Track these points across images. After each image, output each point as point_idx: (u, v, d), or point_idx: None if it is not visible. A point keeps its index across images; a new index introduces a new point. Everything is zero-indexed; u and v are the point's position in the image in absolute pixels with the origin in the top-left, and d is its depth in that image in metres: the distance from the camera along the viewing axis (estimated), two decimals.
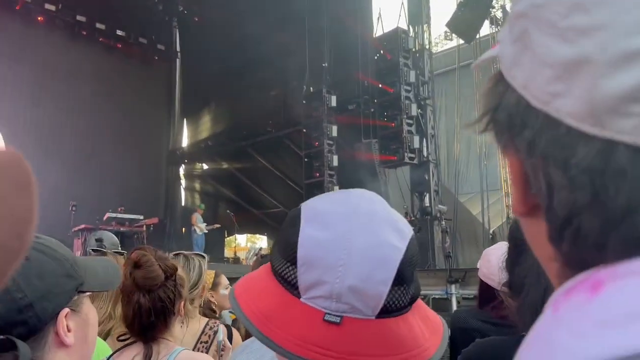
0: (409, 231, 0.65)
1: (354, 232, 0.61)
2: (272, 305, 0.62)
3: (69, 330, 0.89)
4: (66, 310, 0.88)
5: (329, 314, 0.59)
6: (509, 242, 1.34)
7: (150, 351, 1.54)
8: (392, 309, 0.60)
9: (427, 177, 13.56)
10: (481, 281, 1.91)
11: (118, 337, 1.63)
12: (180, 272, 1.65)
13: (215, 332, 2.00)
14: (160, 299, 1.56)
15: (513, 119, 0.37)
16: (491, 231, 16.42)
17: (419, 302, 0.67)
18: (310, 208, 0.66)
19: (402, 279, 0.60)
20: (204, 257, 2.41)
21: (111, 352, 1.61)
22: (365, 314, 0.59)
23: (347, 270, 0.59)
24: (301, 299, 0.61)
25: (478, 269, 1.97)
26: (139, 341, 1.58)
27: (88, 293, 0.96)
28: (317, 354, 0.58)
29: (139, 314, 1.53)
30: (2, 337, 0.77)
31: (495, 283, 1.78)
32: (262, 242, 22.37)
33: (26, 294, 0.82)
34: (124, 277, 1.55)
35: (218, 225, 13.60)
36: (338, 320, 0.59)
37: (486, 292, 1.86)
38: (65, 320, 0.88)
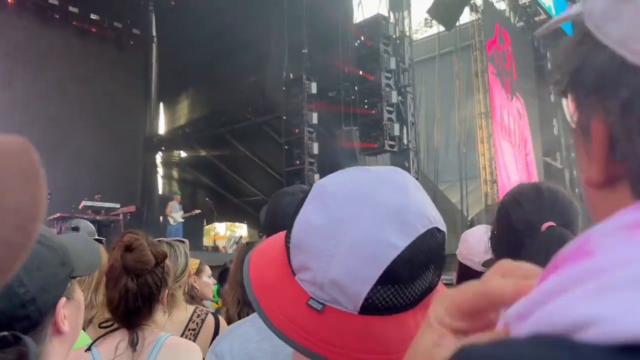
0: (422, 227, 0.59)
1: (350, 221, 0.58)
2: (273, 276, 0.63)
3: (64, 318, 0.89)
4: (63, 299, 0.88)
5: (313, 299, 0.59)
6: (498, 223, 1.28)
7: (137, 337, 1.53)
8: (379, 307, 0.57)
9: (407, 165, 13.65)
10: (460, 264, 1.91)
11: (100, 324, 1.62)
12: (167, 261, 1.65)
13: (203, 320, 2.00)
14: (148, 284, 1.55)
15: (603, 79, 0.34)
16: (469, 218, 16.67)
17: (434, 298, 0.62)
18: (320, 185, 0.64)
19: (393, 278, 0.57)
20: (184, 242, 2.41)
21: (92, 340, 1.58)
22: (347, 308, 0.58)
23: (332, 262, 0.57)
24: (295, 277, 0.61)
25: (456, 254, 1.97)
26: (122, 328, 1.57)
27: (78, 277, 0.96)
28: (298, 336, 0.58)
29: (125, 297, 1.52)
30: (6, 333, 0.75)
31: (475, 263, 1.79)
32: (241, 230, 22.30)
33: (29, 289, 0.80)
34: (114, 260, 1.54)
35: (198, 211, 13.35)
36: (319, 308, 0.58)
37: (466, 275, 1.86)
38: (62, 309, 0.88)
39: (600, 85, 0.34)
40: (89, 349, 1.53)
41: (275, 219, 1.14)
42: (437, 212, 0.63)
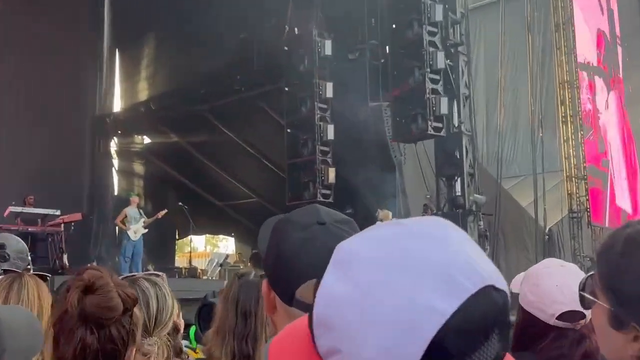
0: (473, 285, 0.63)
1: (379, 287, 0.63)
2: None
3: None
4: None
5: None
6: (625, 246, 1.13)
7: None
8: None
9: (458, 155, 13.61)
10: (523, 310, 1.90)
11: None
12: (136, 309, 1.64)
13: None
14: (112, 338, 1.54)
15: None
16: (547, 230, 16.57)
17: None
18: (340, 249, 0.70)
19: (443, 353, 0.61)
20: (160, 275, 2.47)
21: None
22: None
23: (364, 338, 0.62)
24: None
25: (516, 293, 1.94)
26: None
27: None
28: None
29: (81, 356, 1.51)
30: None
31: (547, 315, 1.80)
32: (227, 245, 22.40)
33: None
34: (69, 305, 1.51)
35: (164, 211, 12.94)
36: None
37: (531, 327, 1.86)
38: None
39: None
40: None
41: (278, 260, 1.13)
42: (494, 267, 0.67)
